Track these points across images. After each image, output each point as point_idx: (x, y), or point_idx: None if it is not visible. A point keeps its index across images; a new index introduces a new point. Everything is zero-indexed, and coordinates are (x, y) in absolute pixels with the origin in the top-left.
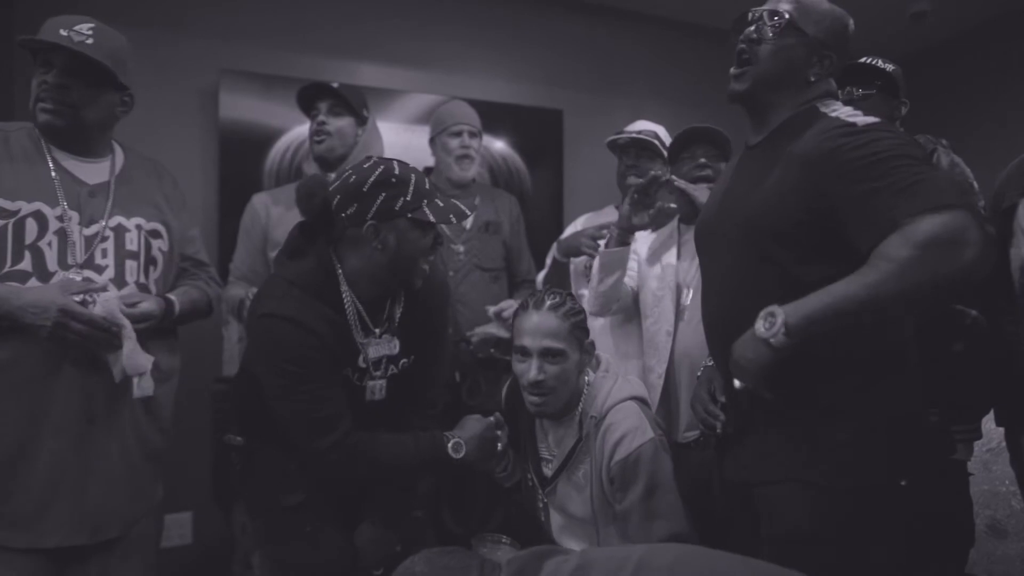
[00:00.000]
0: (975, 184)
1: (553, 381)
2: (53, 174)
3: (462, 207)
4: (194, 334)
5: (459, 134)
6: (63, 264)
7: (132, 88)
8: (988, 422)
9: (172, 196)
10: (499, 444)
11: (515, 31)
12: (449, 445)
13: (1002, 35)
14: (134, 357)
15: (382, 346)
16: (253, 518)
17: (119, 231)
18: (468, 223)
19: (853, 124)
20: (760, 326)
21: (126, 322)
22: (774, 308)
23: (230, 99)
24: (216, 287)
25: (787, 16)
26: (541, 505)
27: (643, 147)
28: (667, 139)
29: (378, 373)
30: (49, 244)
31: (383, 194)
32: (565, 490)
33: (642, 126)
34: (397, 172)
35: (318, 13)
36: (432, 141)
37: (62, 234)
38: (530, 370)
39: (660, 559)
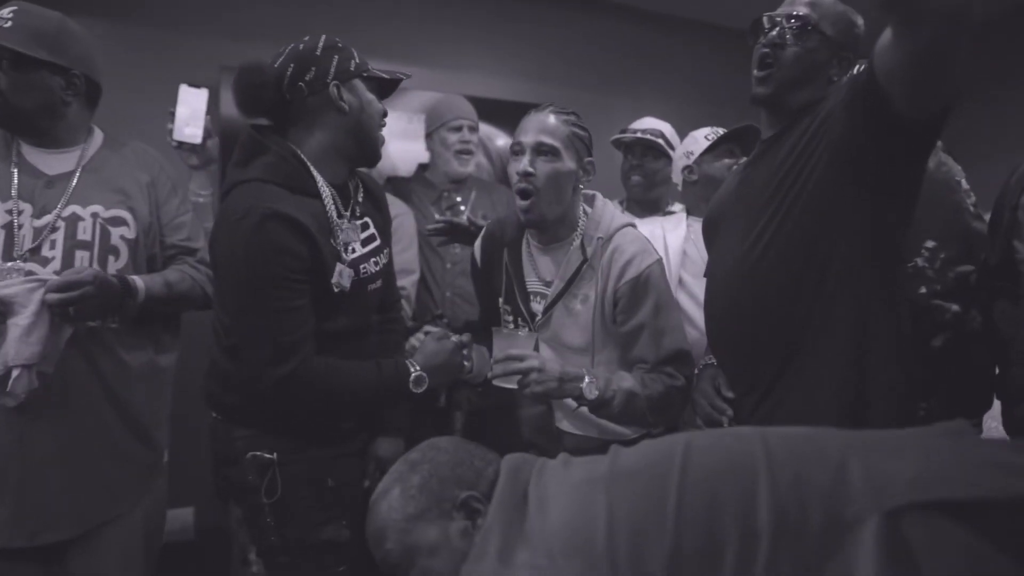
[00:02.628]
0: (963, 182)
1: (543, 181)
2: (13, 168)
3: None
4: (194, 328)
5: (459, 129)
6: (8, 256)
7: (81, 67)
8: (989, 420)
9: (154, 183)
10: (465, 363)
11: (517, 29)
12: (411, 379)
13: (1002, 35)
14: (17, 345)
15: (353, 231)
16: (268, 558)
17: (71, 221)
18: (464, 218)
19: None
20: None
21: (21, 300)
22: None
23: (231, 96)
24: (209, 271)
25: (808, 19)
26: None
27: (648, 147)
28: (673, 136)
29: (367, 252)
30: None
31: (336, 56)
32: (561, 320)
33: (648, 124)
34: (338, 39)
35: (319, 10)
36: (429, 136)
37: (10, 227)
38: (521, 162)
39: (631, 448)
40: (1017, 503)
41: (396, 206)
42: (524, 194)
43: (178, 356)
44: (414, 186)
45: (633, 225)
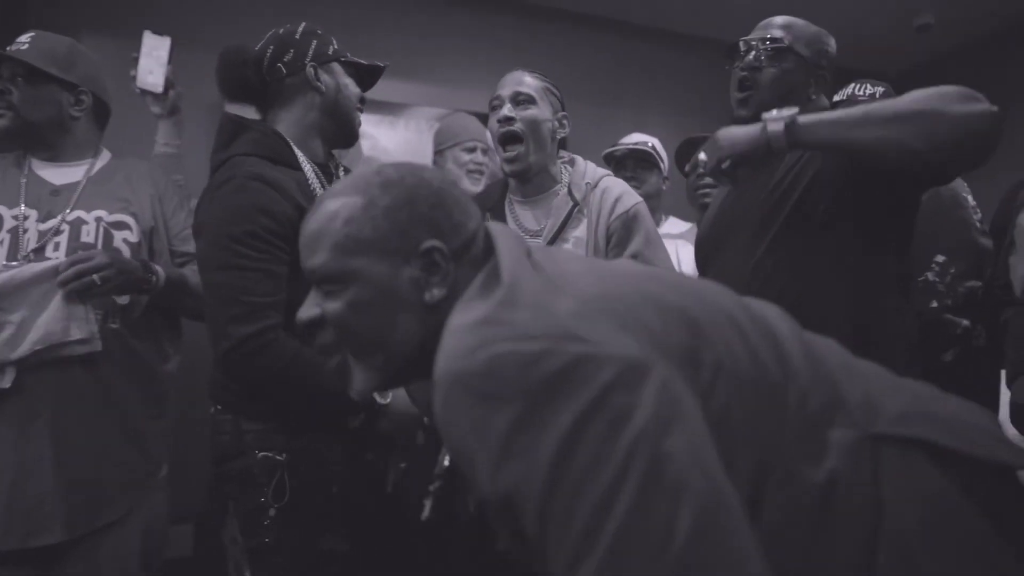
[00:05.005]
0: (969, 198)
1: (524, 126)
2: (23, 180)
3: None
4: (196, 343)
5: (473, 149)
6: (12, 258)
7: (89, 85)
8: None
9: (160, 197)
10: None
11: (517, 44)
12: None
13: (1007, 47)
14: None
15: None
16: (260, 560)
17: (75, 224)
18: None
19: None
20: (769, 113)
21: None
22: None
23: (237, 109)
24: None
25: (783, 41)
26: None
27: (641, 158)
28: (661, 150)
29: None
30: (1, 242)
31: (315, 40)
32: None
33: (638, 138)
34: (318, 27)
35: (325, 26)
36: (440, 153)
37: (15, 231)
38: (501, 110)
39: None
40: (993, 468)
41: None
42: (510, 138)
43: (179, 372)
44: None
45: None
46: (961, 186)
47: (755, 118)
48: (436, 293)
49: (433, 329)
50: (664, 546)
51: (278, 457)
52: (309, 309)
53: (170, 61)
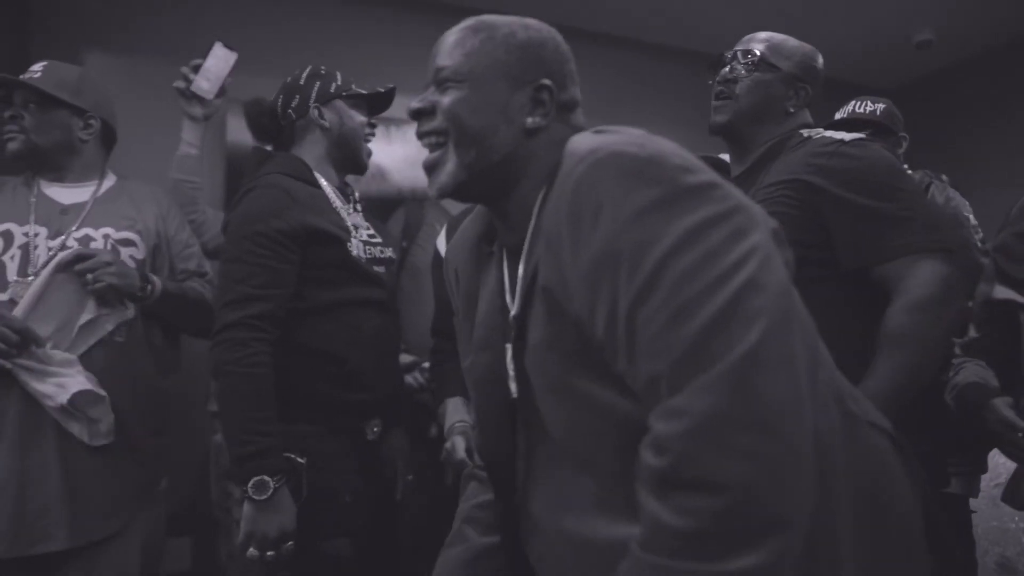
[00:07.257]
0: (971, 217)
1: None
2: (32, 199)
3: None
4: (195, 358)
5: None
6: (22, 274)
7: (98, 112)
8: (996, 456)
9: (164, 217)
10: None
11: None
12: (251, 483)
13: (1005, 63)
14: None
15: (359, 218)
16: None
17: (84, 241)
18: None
19: (841, 140)
20: None
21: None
22: None
23: (238, 123)
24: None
25: (759, 53)
26: None
27: None
28: None
29: (372, 241)
30: (12, 257)
31: (318, 82)
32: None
33: None
34: (322, 67)
35: (327, 42)
36: None
37: (26, 248)
38: None
39: None
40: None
41: None
42: None
43: (179, 385)
44: (428, 211)
45: None
46: (963, 204)
47: (731, 127)
48: (538, 120)
49: (523, 153)
50: (753, 323)
51: (299, 460)
52: (422, 101)
53: (230, 74)
